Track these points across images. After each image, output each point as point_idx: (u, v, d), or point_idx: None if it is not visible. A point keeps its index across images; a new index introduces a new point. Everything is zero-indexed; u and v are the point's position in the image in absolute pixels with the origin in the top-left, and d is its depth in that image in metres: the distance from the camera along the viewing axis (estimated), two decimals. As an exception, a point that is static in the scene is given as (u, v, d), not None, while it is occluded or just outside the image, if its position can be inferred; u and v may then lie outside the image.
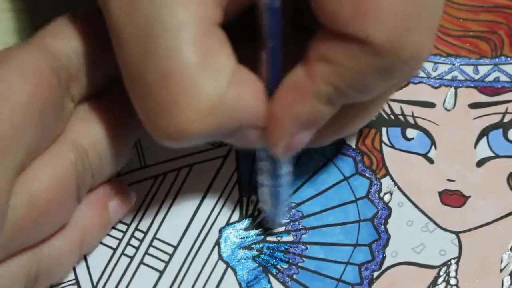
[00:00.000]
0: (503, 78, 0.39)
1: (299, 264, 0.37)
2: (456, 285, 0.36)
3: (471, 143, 0.38)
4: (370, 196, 0.37)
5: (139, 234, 0.37)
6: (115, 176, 0.36)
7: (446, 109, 0.39)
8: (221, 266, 0.37)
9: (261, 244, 0.37)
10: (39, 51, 0.31)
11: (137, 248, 0.37)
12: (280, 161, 0.33)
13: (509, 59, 0.39)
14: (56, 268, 0.34)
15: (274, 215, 0.36)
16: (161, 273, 0.37)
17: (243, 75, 0.29)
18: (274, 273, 0.36)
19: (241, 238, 0.37)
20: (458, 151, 0.38)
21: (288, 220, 0.37)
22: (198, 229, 0.37)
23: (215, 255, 0.37)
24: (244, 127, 0.30)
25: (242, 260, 0.37)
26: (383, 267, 0.36)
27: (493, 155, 0.38)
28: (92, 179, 0.33)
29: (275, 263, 0.37)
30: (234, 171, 0.38)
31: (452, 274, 0.36)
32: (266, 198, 0.35)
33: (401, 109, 0.39)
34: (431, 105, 0.39)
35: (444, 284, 0.36)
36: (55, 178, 0.31)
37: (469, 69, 0.39)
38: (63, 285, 0.36)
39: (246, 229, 0.37)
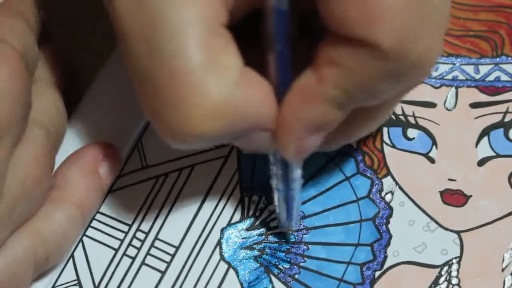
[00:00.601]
0: (504, 77, 0.39)
1: (300, 264, 0.37)
2: (458, 284, 0.36)
3: (472, 142, 0.38)
4: (371, 196, 0.37)
5: (140, 235, 0.37)
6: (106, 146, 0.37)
7: (447, 109, 0.39)
8: (223, 266, 0.37)
9: (263, 244, 0.37)
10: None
11: (139, 249, 0.37)
12: (292, 165, 0.33)
13: (509, 58, 0.39)
14: (63, 242, 0.35)
15: (288, 219, 0.36)
16: (163, 273, 0.37)
17: (250, 76, 0.29)
18: (276, 273, 0.36)
19: (242, 238, 0.37)
20: (459, 151, 0.38)
21: (301, 225, 0.37)
22: (200, 229, 0.37)
23: (216, 256, 0.37)
24: (253, 129, 0.30)
25: (244, 260, 0.37)
26: (385, 267, 0.36)
27: (494, 154, 0.38)
28: (60, 136, 0.36)
29: (277, 263, 0.37)
30: (236, 171, 0.38)
31: (454, 273, 0.36)
32: (279, 202, 0.35)
33: (402, 109, 0.39)
34: (432, 105, 0.39)
35: (445, 283, 0.36)
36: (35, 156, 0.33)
37: (469, 69, 0.39)
38: (65, 285, 0.36)
39: (247, 229, 0.37)
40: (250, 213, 0.37)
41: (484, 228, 0.37)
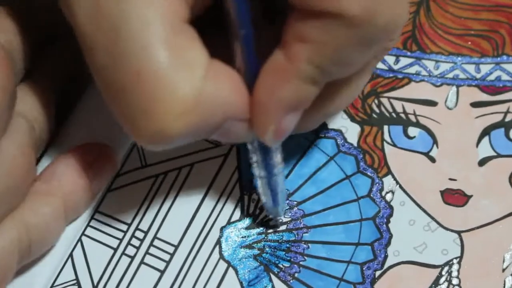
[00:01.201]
0: (505, 77, 0.39)
1: (300, 262, 0.36)
2: (458, 284, 0.36)
3: (473, 142, 0.38)
4: (371, 195, 0.37)
5: (139, 234, 0.37)
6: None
7: (448, 107, 0.39)
8: (222, 265, 0.36)
9: (263, 243, 0.37)
10: None
11: (138, 248, 0.37)
12: (271, 151, 0.33)
13: (510, 58, 0.39)
14: (46, 235, 0.35)
15: (274, 205, 0.36)
16: (162, 272, 0.36)
17: (218, 69, 0.29)
18: (276, 272, 0.36)
19: (242, 237, 0.37)
20: (460, 150, 0.38)
21: (288, 208, 0.37)
22: (199, 228, 0.37)
23: (216, 254, 0.37)
24: (227, 120, 0.30)
25: (243, 259, 0.37)
26: (385, 266, 0.36)
27: (495, 154, 0.38)
28: (42, 141, 0.36)
29: (277, 262, 0.37)
30: (235, 169, 0.38)
31: (454, 273, 0.36)
32: (263, 190, 0.35)
33: (403, 107, 0.39)
34: (433, 103, 0.39)
35: (446, 283, 0.36)
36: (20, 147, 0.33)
37: (470, 68, 0.39)
38: (63, 285, 0.36)
39: (247, 228, 0.37)
40: (250, 211, 0.37)
41: (485, 228, 0.37)
